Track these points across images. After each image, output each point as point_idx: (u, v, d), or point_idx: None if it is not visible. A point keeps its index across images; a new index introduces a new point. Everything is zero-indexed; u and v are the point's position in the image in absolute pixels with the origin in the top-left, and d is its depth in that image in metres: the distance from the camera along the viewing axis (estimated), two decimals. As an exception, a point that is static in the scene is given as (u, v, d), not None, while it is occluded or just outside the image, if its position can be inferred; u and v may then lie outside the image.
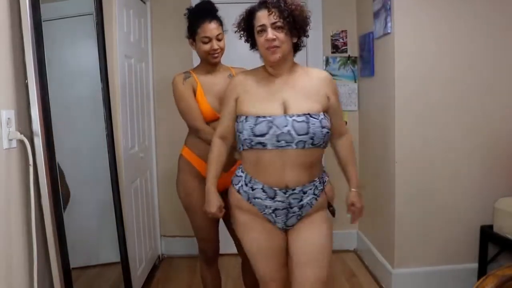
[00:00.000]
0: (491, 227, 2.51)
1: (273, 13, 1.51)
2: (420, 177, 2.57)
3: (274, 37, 1.51)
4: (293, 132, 1.50)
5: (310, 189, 1.60)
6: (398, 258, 2.61)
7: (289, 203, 1.59)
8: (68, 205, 1.61)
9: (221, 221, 2.13)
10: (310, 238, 1.62)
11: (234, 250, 3.11)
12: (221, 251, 2.21)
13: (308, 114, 1.53)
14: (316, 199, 1.62)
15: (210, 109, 1.97)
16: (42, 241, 1.50)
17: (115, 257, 2.14)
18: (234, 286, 2.80)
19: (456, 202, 2.59)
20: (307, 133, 1.51)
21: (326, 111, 1.59)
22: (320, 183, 1.64)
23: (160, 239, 3.32)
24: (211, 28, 1.94)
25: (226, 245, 2.58)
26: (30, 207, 1.40)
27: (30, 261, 1.42)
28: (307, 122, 1.51)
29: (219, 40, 1.97)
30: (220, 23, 2.00)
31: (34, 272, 1.38)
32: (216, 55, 1.97)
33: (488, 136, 2.57)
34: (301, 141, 1.51)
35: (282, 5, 1.52)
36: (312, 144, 1.53)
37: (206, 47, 1.95)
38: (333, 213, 1.69)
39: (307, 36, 1.63)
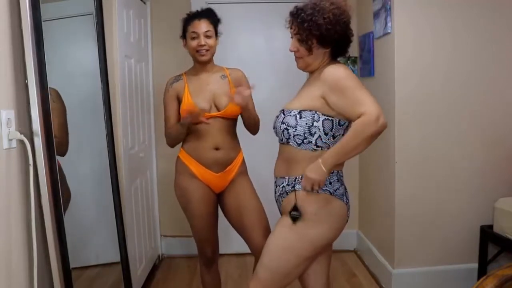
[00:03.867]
0: (491, 227, 2.51)
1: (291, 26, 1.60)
2: (420, 177, 2.57)
3: (294, 49, 1.59)
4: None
5: (281, 184, 1.63)
6: (398, 258, 2.61)
7: (274, 191, 1.68)
8: (68, 206, 1.61)
9: (220, 222, 2.14)
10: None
11: (234, 250, 3.14)
12: (221, 251, 2.21)
13: (283, 110, 1.61)
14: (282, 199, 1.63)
15: (197, 110, 1.95)
16: (42, 241, 1.50)
17: (115, 257, 2.14)
18: (234, 287, 2.80)
19: (456, 202, 2.60)
20: (274, 128, 1.64)
21: (307, 109, 1.54)
22: (288, 184, 1.59)
23: (160, 239, 3.32)
24: (200, 24, 1.96)
25: (226, 245, 2.58)
26: (30, 207, 1.40)
27: (30, 261, 1.42)
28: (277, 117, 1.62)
29: (207, 37, 1.97)
30: (212, 22, 2.00)
31: (34, 272, 1.38)
32: (203, 52, 1.97)
33: (488, 136, 2.57)
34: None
35: (294, 14, 1.57)
36: (281, 140, 1.61)
37: (194, 43, 1.97)
38: (293, 219, 1.55)
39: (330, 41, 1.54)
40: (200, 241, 2.10)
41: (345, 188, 1.62)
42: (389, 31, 2.54)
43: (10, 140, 1.35)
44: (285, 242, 1.57)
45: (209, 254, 2.12)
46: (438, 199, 2.58)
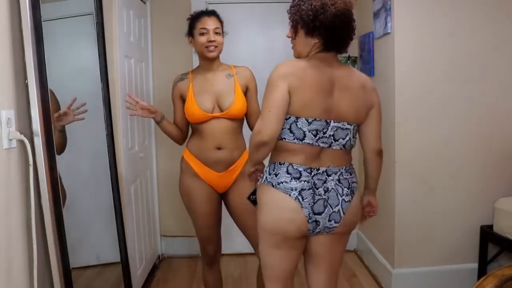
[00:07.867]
0: (491, 227, 2.51)
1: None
2: (420, 177, 2.57)
3: (289, 35, 1.63)
4: None
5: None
6: (398, 258, 2.61)
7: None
8: (64, 207, 1.60)
9: (223, 221, 2.15)
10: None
11: (234, 250, 3.14)
12: (222, 251, 2.21)
13: None
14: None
15: (199, 110, 1.97)
16: (42, 241, 1.50)
17: (115, 257, 2.14)
18: (234, 286, 2.81)
19: (456, 202, 2.59)
20: None
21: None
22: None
23: (160, 239, 3.32)
24: (210, 21, 1.98)
25: (227, 245, 2.58)
26: (30, 207, 1.40)
27: (30, 261, 1.42)
28: None
29: (217, 34, 1.99)
30: (220, 21, 2.03)
31: (34, 272, 1.38)
32: (212, 48, 1.98)
33: (488, 136, 2.57)
34: None
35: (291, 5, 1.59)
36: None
37: (203, 39, 1.97)
38: (253, 202, 1.66)
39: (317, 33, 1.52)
40: (203, 240, 2.12)
41: (312, 186, 1.51)
42: (389, 31, 2.54)
43: (10, 140, 1.35)
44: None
45: (211, 253, 2.13)
46: (438, 199, 2.58)
